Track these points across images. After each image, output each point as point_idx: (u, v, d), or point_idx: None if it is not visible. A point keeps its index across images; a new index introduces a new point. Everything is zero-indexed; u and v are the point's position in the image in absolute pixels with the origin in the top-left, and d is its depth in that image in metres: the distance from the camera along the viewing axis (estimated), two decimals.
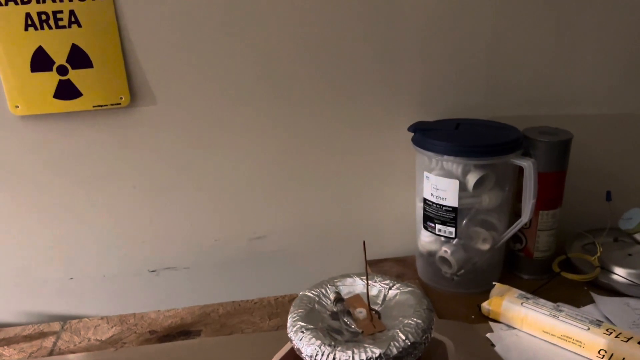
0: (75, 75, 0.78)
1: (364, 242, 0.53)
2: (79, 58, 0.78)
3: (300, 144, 0.88)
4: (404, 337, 0.46)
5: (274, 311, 0.83)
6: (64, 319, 0.84)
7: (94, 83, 0.79)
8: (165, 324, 0.81)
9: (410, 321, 0.48)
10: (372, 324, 0.49)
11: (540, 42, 0.88)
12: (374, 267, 0.93)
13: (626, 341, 0.67)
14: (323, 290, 0.54)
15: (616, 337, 0.67)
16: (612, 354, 0.67)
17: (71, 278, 0.90)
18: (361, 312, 0.51)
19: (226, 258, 0.93)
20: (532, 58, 0.89)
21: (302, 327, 0.48)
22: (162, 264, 0.92)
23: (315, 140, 0.88)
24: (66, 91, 0.79)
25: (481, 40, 0.86)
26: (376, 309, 0.52)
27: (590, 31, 0.88)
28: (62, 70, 0.78)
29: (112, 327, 0.80)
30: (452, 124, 0.84)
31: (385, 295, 0.53)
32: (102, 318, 0.83)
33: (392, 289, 0.53)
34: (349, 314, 0.50)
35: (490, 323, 0.77)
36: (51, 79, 0.78)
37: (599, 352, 0.68)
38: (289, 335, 0.49)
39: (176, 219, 0.89)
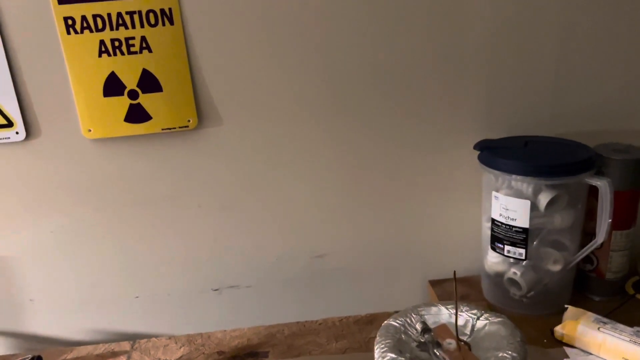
0: (145, 99, 0.80)
1: (454, 272, 0.52)
2: (149, 82, 0.79)
3: (363, 163, 0.88)
4: None
5: (340, 333, 0.82)
6: (131, 338, 0.85)
7: (163, 106, 0.80)
8: (232, 345, 0.81)
9: (505, 354, 0.46)
10: (462, 355, 0.48)
11: (608, 56, 0.85)
12: (438, 287, 0.92)
13: None
14: (408, 320, 0.53)
15: None
16: None
17: (137, 297, 0.91)
18: (450, 344, 0.50)
19: (288, 276, 0.93)
20: (600, 73, 0.86)
21: (393, 358, 0.48)
22: (225, 282, 0.92)
23: (377, 159, 0.88)
24: (136, 115, 0.80)
25: (547, 56, 0.85)
26: (465, 340, 0.51)
27: None
28: (133, 95, 0.80)
29: (180, 347, 0.81)
30: (520, 141, 0.82)
31: (473, 326, 0.52)
32: (170, 338, 0.84)
33: (481, 319, 0.52)
34: (439, 345, 0.50)
35: (565, 348, 0.75)
36: (122, 103, 0.80)
37: None
38: None
39: (239, 238, 0.90)
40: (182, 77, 0.80)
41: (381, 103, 0.85)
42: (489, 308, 0.85)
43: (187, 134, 0.83)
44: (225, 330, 0.84)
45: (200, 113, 0.82)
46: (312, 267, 0.93)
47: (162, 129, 0.82)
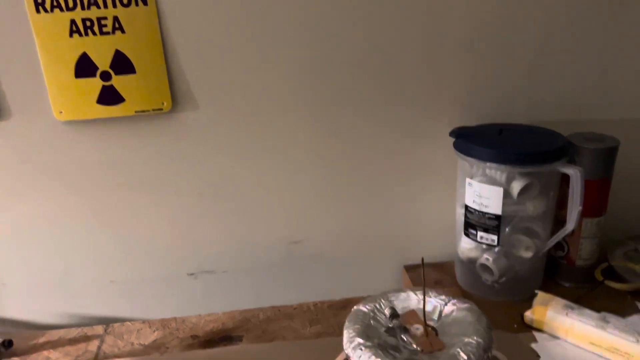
0: (118, 81, 0.79)
1: (422, 259, 0.53)
2: (122, 64, 0.78)
3: (340, 149, 0.88)
4: (465, 357, 0.46)
5: (314, 317, 0.83)
6: (106, 322, 0.84)
7: (136, 89, 0.79)
8: (206, 329, 0.81)
9: (470, 340, 0.47)
10: (429, 341, 0.49)
11: (585, 46, 0.86)
12: (413, 272, 0.93)
13: None
14: (377, 305, 0.54)
15: None
16: None
17: (112, 281, 0.91)
18: (418, 329, 0.50)
19: (264, 262, 0.93)
20: (577, 62, 0.87)
21: (360, 344, 0.48)
22: (201, 267, 0.92)
23: (354, 145, 0.88)
24: (109, 97, 0.79)
25: (525, 45, 0.85)
26: (433, 325, 0.51)
27: (636, 34, 0.86)
28: (105, 76, 0.78)
29: (154, 332, 0.81)
30: (495, 129, 0.83)
31: (441, 312, 0.52)
32: (144, 322, 0.83)
33: (448, 304, 0.52)
34: (406, 330, 0.50)
35: (534, 333, 0.76)
36: (95, 84, 0.78)
37: None
38: (346, 351, 0.49)
39: (215, 223, 0.89)
40: (156, 58, 0.78)
41: (359, 89, 0.84)
42: (462, 294, 0.86)
43: (162, 118, 0.82)
44: (200, 315, 0.84)
45: (175, 96, 0.81)
46: (289, 253, 0.93)
47: (136, 112, 0.80)
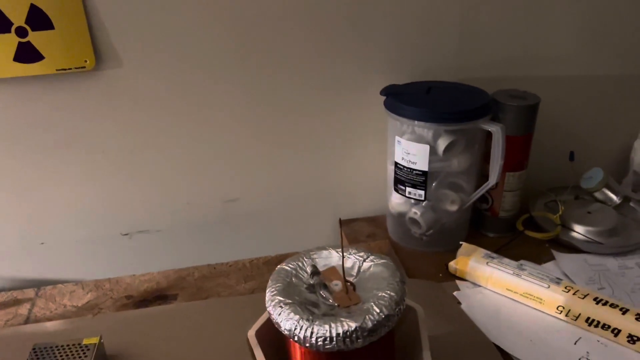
0: (36, 37, 0.75)
1: (340, 220, 0.54)
2: (38, 19, 0.74)
3: (272, 105, 0.87)
4: (378, 310, 0.48)
5: (249, 274, 0.84)
6: (37, 285, 0.83)
7: (56, 46, 0.76)
8: (141, 289, 0.81)
9: (384, 294, 0.50)
10: (347, 296, 0.51)
11: (511, 4, 0.87)
12: (347, 226, 0.95)
13: (582, 298, 0.71)
14: (299, 264, 0.55)
15: (574, 294, 0.72)
16: (570, 310, 0.71)
17: (42, 243, 0.89)
18: (337, 285, 0.52)
19: (199, 221, 0.93)
20: (503, 20, 0.89)
21: (280, 301, 0.50)
22: (135, 227, 0.92)
23: (286, 101, 0.88)
24: (27, 54, 0.75)
25: (453, 2, 0.86)
26: (351, 281, 0.54)
27: None
28: (21, 32, 0.74)
29: (87, 293, 0.81)
30: (424, 87, 0.84)
31: (359, 267, 0.55)
32: (76, 283, 0.83)
33: (367, 261, 0.55)
34: (325, 286, 0.52)
35: (457, 281, 0.81)
36: (10, 41, 0.74)
37: (557, 308, 0.72)
38: (267, 309, 0.51)
39: (147, 183, 0.88)
40: (76, 13, 0.75)
41: (289, 46, 0.84)
42: (393, 245, 0.89)
43: (86, 76, 0.79)
44: (134, 275, 0.84)
45: (99, 53, 0.78)
46: (224, 211, 0.94)
47: (57, 70, 0.77)
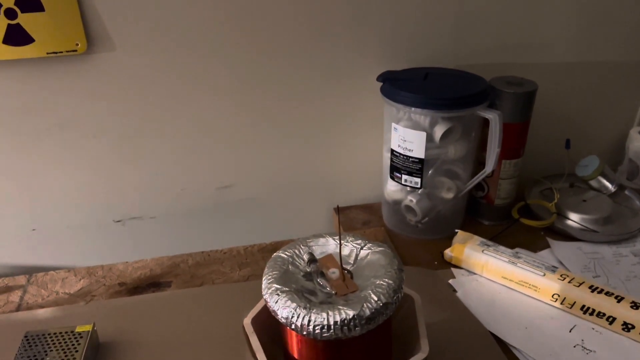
0: (26, 19, 0.73)
1: (337, 207, 0.54)
2: (28, 0, 0.72)
3: (267, 92, 0.86)
4: (376, 298, 0.48)
5: (244, 261, 0.84)
6: (29, 272, 0.82)
7: (46, 28, 0.74)
8: (134, 276, 0.81)
9: (382, 282, 0.49)
10: (344, 284, 0.51)
11: None
12: (342, 214, 0.95)
13: (578, 286, 0.71)
14: (296, 251, 0.55)
15: (569, 282, 0.72)
16: (565, 298, 0.71)
17: (34, 229, 0.88)
18: (334, 273, 0.52)
19: (193, 207, 0.92)
20: (501, 6, 0.87)
21: (277, 289, 0.49)
22: (128, 213, 0.91)
23: (282, 87, 0.86)
24: (16, 36, 0.74)
25: None
26: (348, 268, 0.53)
27: None
28: (10, 14, 0.72)
29: (80, 280, 0.80)
30: (421, 73, 0.83)
31: (357, 255, 0.54)
32: (69, 270, 0.82)
33: (364, 248, 0.54)
34: (322, 274, 0.52)
35: (453, 269, 0.81)
36: None
37: (552, 296, 0.72)
38: (264, 297, 0.50)
39: (140, 169, 0.87)
40: None
41: (286, 30, 0.82)
42: (388, 233, 0.89)
43: (77, 59, 0.78)
44: (127, 262, 0.84)
45: (90, 36, 0.76)
46: (218, 198, 0.93)
47: (47, 53, 0.75)
